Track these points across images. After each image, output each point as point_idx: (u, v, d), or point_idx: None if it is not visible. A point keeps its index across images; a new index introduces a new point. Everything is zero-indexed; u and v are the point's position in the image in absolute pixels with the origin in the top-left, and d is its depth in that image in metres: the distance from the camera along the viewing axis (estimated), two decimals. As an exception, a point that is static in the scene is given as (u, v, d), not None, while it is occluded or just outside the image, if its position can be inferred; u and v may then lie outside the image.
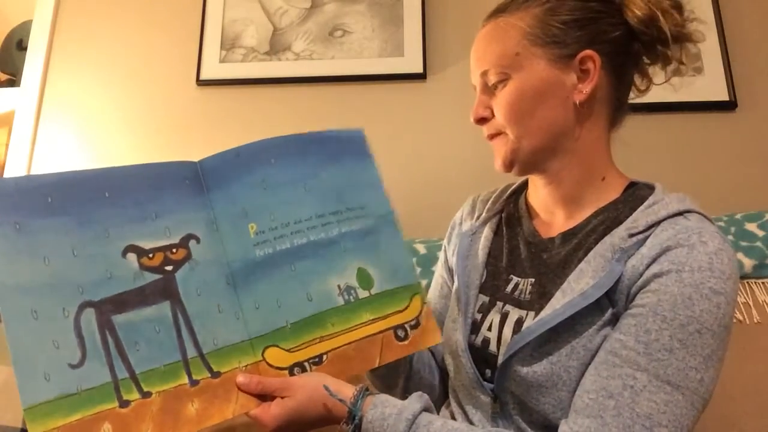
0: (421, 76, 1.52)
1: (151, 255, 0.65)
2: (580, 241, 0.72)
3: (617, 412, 0.58)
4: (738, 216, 1.17)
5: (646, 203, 0.70)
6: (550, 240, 0.76)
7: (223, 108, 1.58)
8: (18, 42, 1.89)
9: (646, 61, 0.77)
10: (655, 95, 1.41)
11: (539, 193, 0.80)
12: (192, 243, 0.67)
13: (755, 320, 1.04)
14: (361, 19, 1.60)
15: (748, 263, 1.09)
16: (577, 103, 0.71)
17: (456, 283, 0.82)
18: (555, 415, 0.65)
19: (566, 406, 0.64)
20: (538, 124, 0.72)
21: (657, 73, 0.79)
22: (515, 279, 0.76)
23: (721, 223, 1.16)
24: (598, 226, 0.71)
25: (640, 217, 0.67)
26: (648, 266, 0.63)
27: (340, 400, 0.64)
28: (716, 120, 1.44)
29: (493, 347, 0.73)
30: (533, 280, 0.74)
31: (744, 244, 1.11)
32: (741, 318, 1.05)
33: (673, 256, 0.62)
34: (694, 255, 0.61)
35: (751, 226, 1.14)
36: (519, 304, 0.73)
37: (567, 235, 0.74)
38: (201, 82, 1.59)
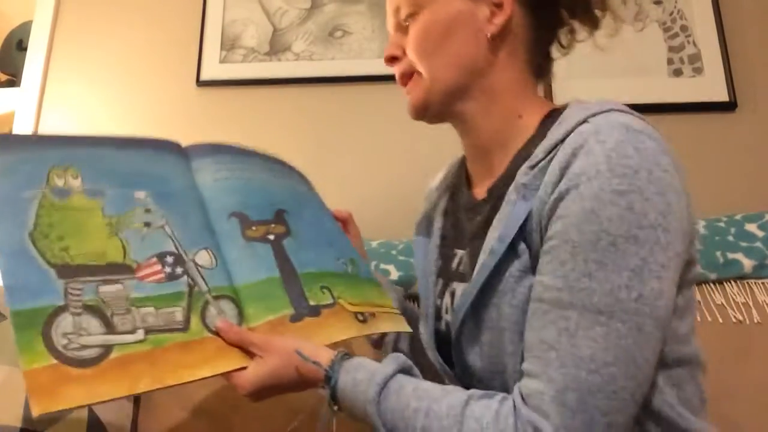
0: (421, 77, 1.52)
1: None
2: (501, 194, 0.65)
3: (560, 363, 0.52)
4: (738, 216, 1.17)
5: (552, 128, 0.62)
6: (482, 201, 0.71)
7: (223, 108, 1.58)
8: (18, 42, 1.89)
9: (567, 13, 0.72)
10: (654, 95, 1.42)
11: (468, 151, 0.77)
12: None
13: (755, 320, 1.04)
14: (361, 19, 1.60)
15: (748, 263, 1.09)
16: (489, 36, 0.67)
17: (419, 276, 0.81)
18: (510, 383, 0.61)
19: (512, 372, 0.60)
20: (450, 58, 0.69)
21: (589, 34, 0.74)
22: (459, 252, 0.74)
23: (721, 223, 1.16)
24: (515, 171, 0.64)
25: (542, 145, 0.61)
26: (551, 192, 0.56)
27: (315, 363, 0.62)
28: (716, 120, 1.44)
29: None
30: (468, 249, 0.71)
31: (744, 244, 1.11)
32: (741, 318, 1.05)
33: (570, 173, 0.55)
34: (590, 161, 0.54)
35: (751, 227, 1.14)
36: (462, 278, 0.71)
37: (491, 191, 0.69)
38: (201, 83, 1.59)
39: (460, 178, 0.81)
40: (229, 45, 1.61)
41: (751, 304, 1.06)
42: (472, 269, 0.66)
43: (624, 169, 0.53)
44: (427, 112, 0.72)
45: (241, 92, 1.59)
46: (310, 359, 0.62)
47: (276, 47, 1.60)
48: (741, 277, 1.10)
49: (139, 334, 0.60)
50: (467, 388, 0.65)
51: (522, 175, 0.61)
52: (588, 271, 0.52)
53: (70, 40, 1.68)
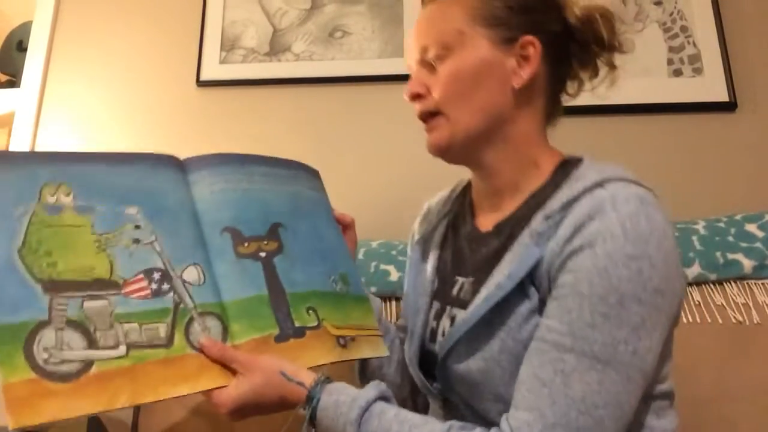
0: (421, 77, 1.52)
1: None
2: (511, 232, 0.70)
3: (552, 400, 0.56)
4: (738, 216, 1.17)
5: (568, 179, 0.68)
6: (487, 234, 0.74)
7: (223, 109, 1.58)
8: (18, 43, 1.89)
9: (577, 64, 0.78)
10: (654, 95, 1.42)
11: (477, 187, 0.80)
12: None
13: (755, 321, 1.04)
14: (361, 19, 1.60)
15: (748, 264, 1.09)
16: (516, 87, 0.71)
17: (409, 295, 0.82)
18: (497, 409, 0.64)
19: (505, 401, 0.63)
20: (476, 104, 0.71)
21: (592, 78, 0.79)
22: (460, 279, 0.75)
23: (721, 224, 1.16)
24: (526, 213, 0.70)
25: (558, 198, 0.66)
26: (563, 246, 0.61)
27: (299, 383, 0.64)
28: (716, 120, 1.44)
29: None
30: (472, 279, 0.73)
31: (744, 244, 1.11)
32: (741, 318, 1.05)
33: (585, 232, 0.60)
34: (605, 225, 0.59)
35: (751, 227, 1.14)
36: (463, 305, 0.72)
37: (499, 227, 0.73)
38: (201, 83, 1.59)
39: (462, 206, 0.83)
40: (229, 45, 1.61)
41: (750, 304, 1.06)
42: (475, 296, 0.69)
43: (637, 236, 0.58)
44: (448, 154, 0.74)
45: (241, 92, 1.59)
46: (294, 379, 0.64)
47: (276, 48, 1.60)
48: (741, 278, 1.10)
49: (121, 350, 0.60)
50: (448, 406, 0.71)
51: (538, 224, 0.65)
52: (593, 322, 0.57)
53: (70, 41, 1.68)
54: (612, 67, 0.76)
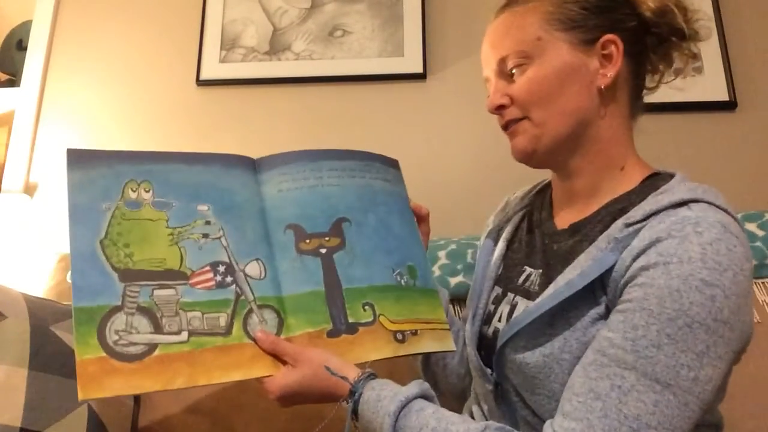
0: (421, 76, 1.52)
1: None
2: (587, 233, 0.70)
3: (604, 414, 0.56)
4: (738, 215, 1.17)
5: (655, 192, 0.66)
6: (563, 231, 0.75)
7: (223, 108, 1.58)
8: (18, 42, 1.89)
9: (656, 58, 0.77)
10: (654, 95, 1.42)
11: (557, 186, 0.80)
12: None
13: (755, 320, 1.04)
14: (361, 19, 1.60)
15: (748, 263, 1.09)
16: (602, 87, 0.70)
17: (477, 281, 0.83)
18: (549, 406, 0.65)
19: (559, 399, 0.62)
20: (562, 108, 0.70)
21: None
22: (528, 270, 0.76)
23: (721, 223, 1.16)
24: (605, 217, 0.69)
25: (641, 207, 0.65)
26: (635, 259, 0.60)
27: (342, 378, 0.66)
28: (716, 120, 1.44)
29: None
30: (542, 270, 0.74)
31: (744, 244, 1.11)
32: (741, 318, 1.05)
33: (661, 248, 0.59)
34: (684, 246, 0.58)
35: (751, 226, 1.14)
36: (528, 295, 0.73)
37: (576, 227, 0.73)
38: (201, 82, 1.59)
39: (543, 201, 0.84)
40: (229, 44, 1.61)
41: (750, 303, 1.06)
42: (543, 290, 0.69)
43: (715, 264, 0.57)
44: (533, 158, 0.74)
45: (240, 91, 1.59)
46: (337, 374, 0.67)
47: (276, 47, 1.60)
48: (741, 277, 1.10)
49: (183, 336, 0.66)
50: (500, 391, 0.73)
51: (617, 230, 0.64)
52: (659, 342, 0.56)
53: (70, 40, 1.68)
54: (693, 56, 0.76)
